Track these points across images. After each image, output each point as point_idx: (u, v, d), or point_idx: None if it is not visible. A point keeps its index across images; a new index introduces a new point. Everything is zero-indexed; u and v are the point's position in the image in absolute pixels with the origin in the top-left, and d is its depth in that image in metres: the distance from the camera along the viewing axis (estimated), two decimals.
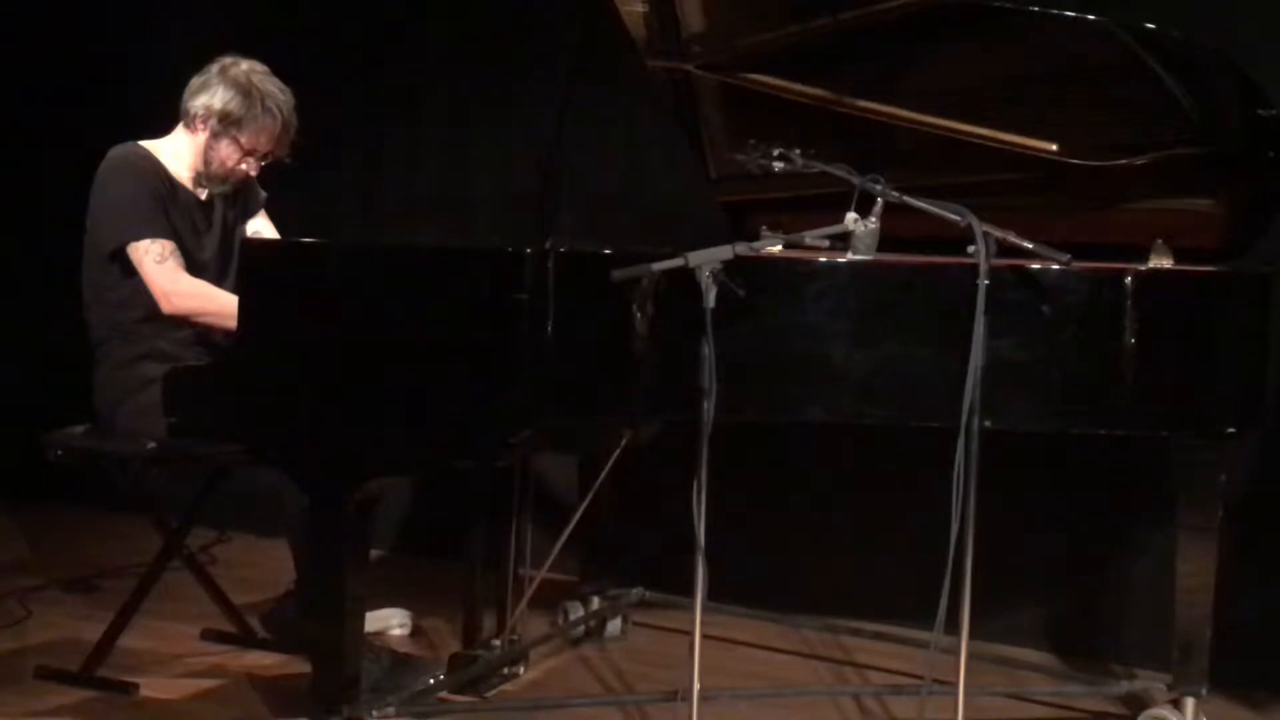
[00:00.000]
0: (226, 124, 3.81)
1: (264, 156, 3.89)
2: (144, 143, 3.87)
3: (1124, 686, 3.92)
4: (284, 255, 3.45)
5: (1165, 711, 3.61)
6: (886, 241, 3.32)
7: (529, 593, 3.92)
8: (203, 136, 3.84)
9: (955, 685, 3.16)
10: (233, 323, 3.39)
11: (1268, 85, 3.36)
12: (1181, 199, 3.62)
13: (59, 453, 3.82)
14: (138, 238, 3.72)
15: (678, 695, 3.30)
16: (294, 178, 3.98)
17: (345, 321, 3.20)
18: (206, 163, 3.85)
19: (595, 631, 4.39)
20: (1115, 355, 3.25)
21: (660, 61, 4.00)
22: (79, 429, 3.87)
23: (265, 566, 4.71)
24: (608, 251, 3.21)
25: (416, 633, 4.36)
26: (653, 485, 4.11)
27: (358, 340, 3.19)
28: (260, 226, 4.04)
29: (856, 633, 4.34)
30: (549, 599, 4.32)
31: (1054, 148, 3.63)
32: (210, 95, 3.81)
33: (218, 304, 3.73)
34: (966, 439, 3.05)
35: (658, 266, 3.02)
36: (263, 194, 4.07)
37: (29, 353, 5.54)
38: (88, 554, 5.02)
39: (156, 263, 3.72)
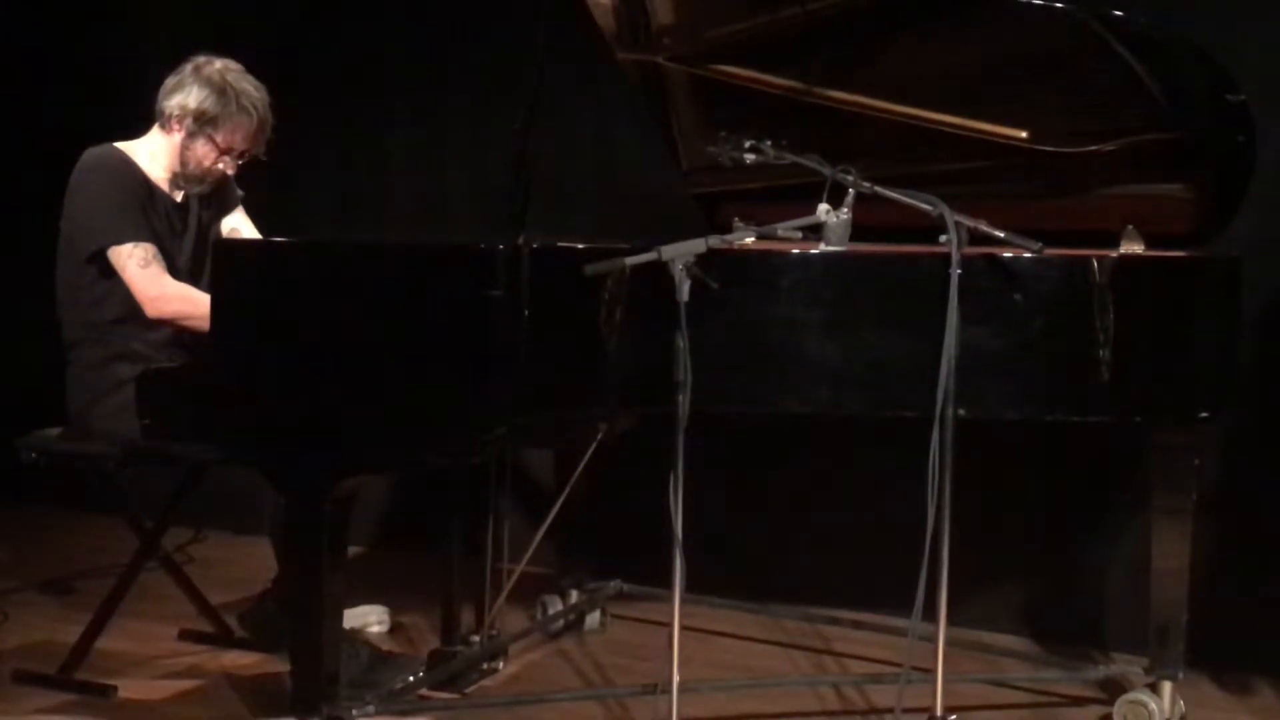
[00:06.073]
0: (202, 123, 3.79)
1: (240, 155, 3.87)
2: (119, 144, 3.84)
3: (1101, 671, 3.95)
4: (256, 255, 3.45)
5: (1143, 695, 3.62)
6: (859, 231, 3.33)
7: (508, 586, 3.92)
8: (178, 136, 3.81)
9: (934, 672, 3.18)
10: None
11: (1235, 71, 3.38)
12: (1152, 185, 3.63)
13: (34, 455, 3.81)
14: (120, 241, 3.69)
15: (657, 687, 3.31)
16: (268, 176, 3.97)
17: (318, 321, 3.19)
18: (183, 163, 3.83)
19: (574, 625, 4.40)
20: (1088, 342, 3.25)
21: (630, 54, 4.00)
22: (54, 431, 3.85)
23: (242, 565, 4.70)
24: (581, 247, 3.22)
25: (395, 629, 4.36)
26: (629, 478, 4.11)
27: (331, 339, 3.18)
28: (237, 224, 4.03)
29: (835, 622, 4.35)
30: (527, 592, 4.32)
31: (1024, 135, 3.64)
32: (185, 95, 3.79)
33: (204, 308, 3.70)
34: (941, 427, 3.06)
35: (631, 261, 3.03)
36: (239, 191, 4.05)
37: (2, 355, 5.51)
38: (64, 556, 5.01)
39: (140, 267, 3.69)
